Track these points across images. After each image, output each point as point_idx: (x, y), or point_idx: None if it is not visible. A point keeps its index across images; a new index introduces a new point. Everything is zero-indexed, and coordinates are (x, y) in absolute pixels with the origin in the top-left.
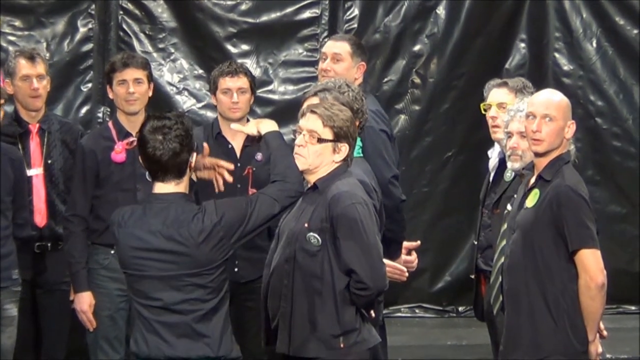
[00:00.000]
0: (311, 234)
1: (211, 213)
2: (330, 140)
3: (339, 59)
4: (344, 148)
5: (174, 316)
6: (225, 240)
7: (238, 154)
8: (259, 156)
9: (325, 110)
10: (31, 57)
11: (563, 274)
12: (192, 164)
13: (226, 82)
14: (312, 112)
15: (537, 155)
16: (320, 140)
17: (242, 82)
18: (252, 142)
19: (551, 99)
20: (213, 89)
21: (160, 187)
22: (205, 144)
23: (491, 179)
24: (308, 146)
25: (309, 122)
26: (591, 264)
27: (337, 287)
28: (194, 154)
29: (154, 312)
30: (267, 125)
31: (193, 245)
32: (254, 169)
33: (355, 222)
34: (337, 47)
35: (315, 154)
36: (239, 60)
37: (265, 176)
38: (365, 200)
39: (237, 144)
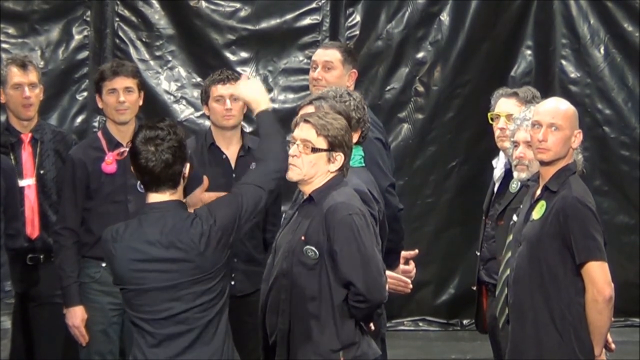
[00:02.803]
0: (308, 247)
1: (207, 216)
2: (325, 150)
3: (330, 67)
4: (339, 157)
5: (179, 327)
6: (224, 239)
7: (233, 164)
8: (254, 166)
9: (319, 119)
10: (23, 65)
11: (569, 287)
12: (186, 175)
13: (218, 90)
14: (306, 121)
15: (543, 164)
16: (315, 150)
17: (235, 88)
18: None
19: (558, 107)
20: (205, 99)
21: (155, 197)
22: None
23: (495, 189)
24: (302, 156)
25: (303, 132)
26: (598, 276)
27: (335, 300)
28: (187, 165)
29: (156, 326)
30: (263, 102)
31: (195, 250)
32: None
33: (352, 233)
34: (328, 55)
35: (310, 164)
36: (238, 68)
37: None
38: (362, 210)
39: (231, 154)
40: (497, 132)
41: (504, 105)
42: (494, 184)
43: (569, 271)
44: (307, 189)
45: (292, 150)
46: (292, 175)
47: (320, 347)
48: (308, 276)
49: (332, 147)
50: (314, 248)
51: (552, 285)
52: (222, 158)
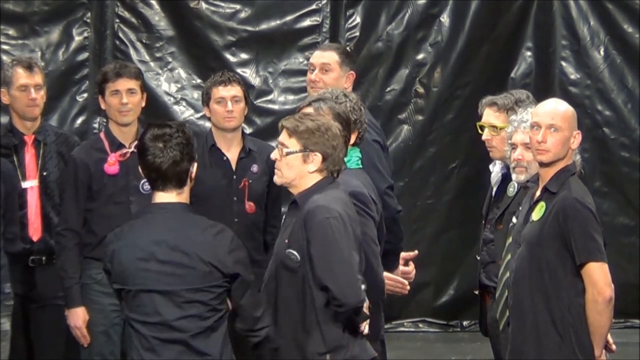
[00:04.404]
0: (290, 250)
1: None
2: (297, 151)
3: (328, 69)
4: (316, 157)
5: (173, 333)
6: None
7: (234, 166)
8: (254, 168)
9: (294, 121)
10: (29, 67)
11: (569, 288)
12: (193, 175)
13: (219, 92)
14: (282, 125)
15: (542, 165)
16: (288, 153)
17: (236, 90)
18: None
19: (557, 108)
20: (206, 100)
21: (161, 197)
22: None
23: (493, 193)
24: (282, 159)
25: (281, 135)
26: (599, 277)
27: (317, 303)
28: (195, 164)
29: (152, 329)
30: None
31: (197, 258)
32: (250, 181)
33: (327, 237)
34: (325, 57)
35: (287, 167)
36: (238, 70)
37: (262, 189)
38: (341, 214)
39: (232, 156)
40: (486, 143)
41: (486, 115)
42: (492, 188)
43: (569, 272)
44: (294, 192)
45: (273, 154)
46: (276, 179)
47: (307, 350)
48: (292, 279)
49: (306, 147)
50: (295, 252)
51: (552, 286)
52: (223, 160)
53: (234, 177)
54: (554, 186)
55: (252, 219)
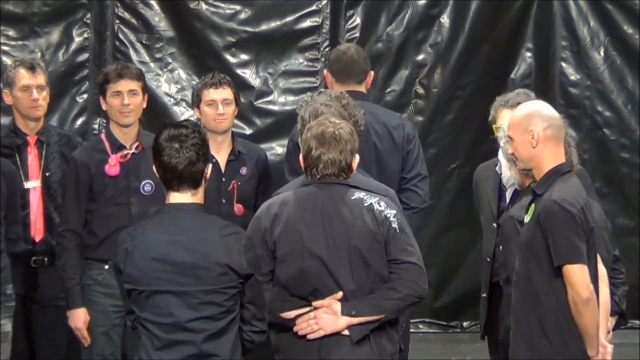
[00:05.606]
0: None
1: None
2: None
3: None
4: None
5: (186, 334)
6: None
7: (223, 169)
8: (243, 170)
9: None
10: (31, 67)
11: (557, 289)
12: (207, 176)
13: (210, 94)
14: None
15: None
16: None
17: (227, 93)
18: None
19: (510, 119)
20: (196, 102)
21: (176, 197)
22: None
23: (508, 196)
24: None
25: None
26: (576, 279)
27: None
28: (210, 165)
29: (164, 330)
30: None
31: (212, 259)
32: (239, 183)
33: None
34: None
35: None
36: (238, 70)
37: (250, 191)
38: (260, 216)
39: (221, 158)
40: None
41: (505, 117)
42: (502, 189)
43: (553, 274)
44: None
45: None
46: None
47: None
48: None
49: None
50: None
51: (540, 288)
52: (212, 162)
53: (223, 179)
54: (540, 188)
55: (241, 221)
